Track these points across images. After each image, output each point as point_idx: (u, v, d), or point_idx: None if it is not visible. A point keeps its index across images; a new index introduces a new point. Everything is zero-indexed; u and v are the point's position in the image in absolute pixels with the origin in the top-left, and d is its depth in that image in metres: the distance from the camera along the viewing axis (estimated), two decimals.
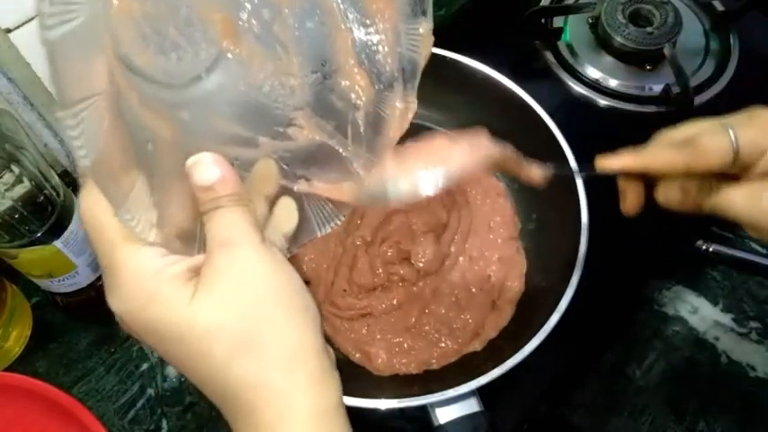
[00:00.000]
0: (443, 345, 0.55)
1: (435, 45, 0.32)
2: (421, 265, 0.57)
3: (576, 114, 0.72)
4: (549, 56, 0.76)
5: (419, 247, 0.58)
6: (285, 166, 0.31)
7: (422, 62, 0.32)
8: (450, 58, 0.60)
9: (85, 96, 0.26)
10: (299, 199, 0.32)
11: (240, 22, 0.28)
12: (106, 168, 0.27)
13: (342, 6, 0.30)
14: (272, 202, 0.32)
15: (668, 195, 0.40)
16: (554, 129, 0.57)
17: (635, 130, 0.70)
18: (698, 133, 0.37)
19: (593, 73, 0.75)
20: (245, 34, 0.28)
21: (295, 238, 0.32)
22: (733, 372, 0.63)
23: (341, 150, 0.31)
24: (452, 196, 0.62)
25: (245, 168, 0.30)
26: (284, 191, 0.32)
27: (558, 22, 0.79)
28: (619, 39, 0.73)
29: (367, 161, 0.32)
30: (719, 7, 0.78)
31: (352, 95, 0.31)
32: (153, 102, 0.28)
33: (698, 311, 0.66)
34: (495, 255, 0.59)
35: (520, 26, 0.78)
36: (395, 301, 0.57)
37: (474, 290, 0.58)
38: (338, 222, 0.33)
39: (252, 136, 0.30)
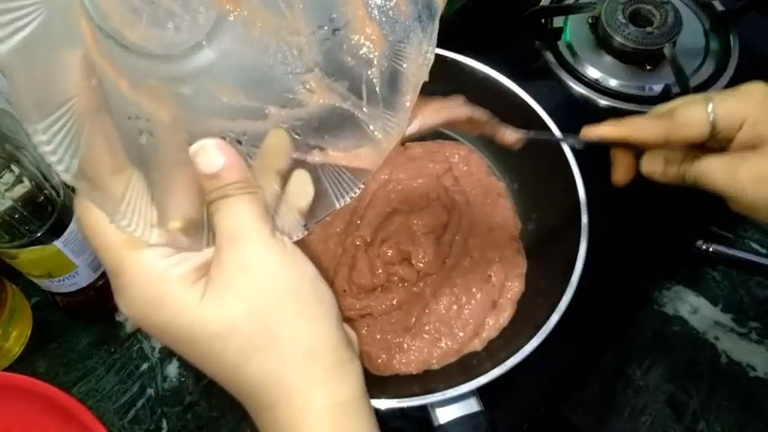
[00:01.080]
0: (443, 345, 0.55)
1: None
2: (421, 266, 0.57)
3: (575, 114, 0.72)
4: (549, 56, 0.76)
5: (419, 247, 0.58)
6: (297, 137, 0.29)
7: (440, 5, 0.29)
8: (451, 58, 0.60)
9: (59, 104, 0.24)
10: (314, 171, 0.30)
11: None
12: (93, 176, 0.26)
13: None
14: (286, 178, 0.30)
15: (652, 165, 0.40)
16: (554, 129, 0.57)
17: None
18: (678, 105, 0.38)
19: (593, 73, 0.75)
20: None
21: (312, 212, 0.30)
22: (733, 372, 0.63)
23: (356, 113, 0.29)
24: (452, 196, 0.62)
25: (255, 144, 0.29)
26: (297, 164, 0.30)
27: (558, 22, 0.79)
28: (619, 39, 0.73)
29: (385, 122, 0.29)
30: (719, 7, 0.78)
31: (365, 51, 0.28)
32: (149, 80, 0.26)
33: (698, 311, 0.66)
34: (495, 255, 0.59)
35: (520, 26, 0.78)
36: (395, 302, 0.57)
37: (474, 290, 0.57)
38: (358, 191, 0.30)
39: (260, 106, 0.28)
